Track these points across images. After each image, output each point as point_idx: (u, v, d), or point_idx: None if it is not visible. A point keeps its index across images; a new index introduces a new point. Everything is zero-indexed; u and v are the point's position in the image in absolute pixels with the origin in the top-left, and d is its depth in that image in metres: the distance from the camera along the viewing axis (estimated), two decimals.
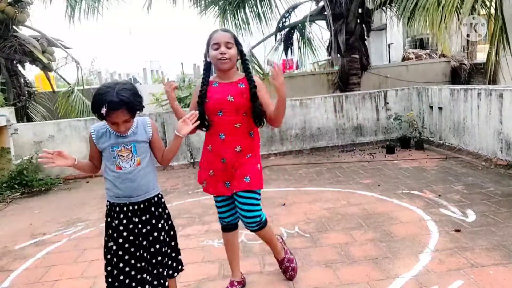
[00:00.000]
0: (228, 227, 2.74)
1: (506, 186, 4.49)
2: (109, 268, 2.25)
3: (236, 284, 2.75)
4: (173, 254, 2.35)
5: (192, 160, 7.20)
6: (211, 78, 2.57)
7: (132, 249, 2.21)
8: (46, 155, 2.17)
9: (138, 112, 2.16)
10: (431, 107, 7.05)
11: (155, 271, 2.24)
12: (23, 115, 8.72)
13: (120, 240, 2.20)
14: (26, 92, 9.01)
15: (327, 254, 3.22)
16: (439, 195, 4.38)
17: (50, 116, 9.40)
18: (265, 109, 2.53)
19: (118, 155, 2.17)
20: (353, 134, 7.56)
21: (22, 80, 9.00)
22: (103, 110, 2.02)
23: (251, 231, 2.63)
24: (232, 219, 2.71)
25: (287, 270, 2.86)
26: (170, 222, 2.35)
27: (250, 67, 2.62)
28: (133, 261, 2.21)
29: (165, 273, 2.28)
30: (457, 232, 3.39)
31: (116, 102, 2.02)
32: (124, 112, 2.06)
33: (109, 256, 2.25)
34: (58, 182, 6.71)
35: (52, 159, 2.17)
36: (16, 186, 6.27)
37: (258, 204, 2.58)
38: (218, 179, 2.57)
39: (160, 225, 2.26)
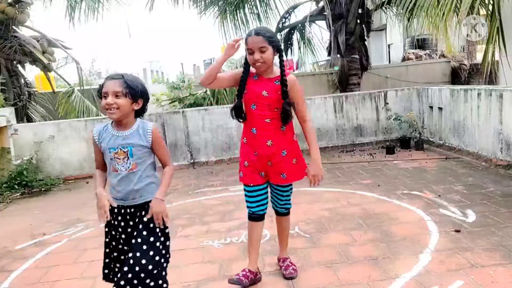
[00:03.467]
0: (254, 217, 2.77)
1: (506, 187, 4.49)
2: (107, 260, 2.33)
3: (247, 271, 2.75)
4: (154, 271, 2.14)
5: (192, 161, 7.20)
6: (251, 70, 2.64)
7: (126, 248, 2.24)
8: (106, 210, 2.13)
9: (138, 103, 2.18)
10: (431, 107, 7.05)
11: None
12: (23, 116, 8.72)
13: (108, 239, 2.29)
14: (26, 93, 9.01)
15: (327, 254, 3.22)
16: (439, 196, 4.38)
17: (50, 116, 9.39)
18: (295, 107, 2.66)
19: (114, 157, 2.17)
20: (353, 135, 7.56)
21: (22, 80, 9.00)
22: (103, 82, 2.12)
23: (280, 214, 2.89)
24: (259, 209, 2.75)
25: (288, 268, 2.88)
26: (164, 237, 2.24)
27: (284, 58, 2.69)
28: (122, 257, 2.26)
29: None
30: (457, 232, 3.39)
31: (114, 74, 2.20)
32: (117, 82, 2.10)
33: (107, 250, 2.32)
34: (58, 183, 6.71)
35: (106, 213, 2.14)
36: (16, 187, 6.27)
37: (290, 194, 2.86)
38: (253, 170, 2.69)
39: (151, 226, 2.17)
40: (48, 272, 3.38)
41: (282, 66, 2.62)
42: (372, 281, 2.74)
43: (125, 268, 2.10)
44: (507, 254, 2.93)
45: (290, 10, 9.58)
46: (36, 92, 9.94)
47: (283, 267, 2.91)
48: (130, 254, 2.14)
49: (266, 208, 2.79)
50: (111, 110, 2.11)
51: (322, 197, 4.73)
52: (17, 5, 8.36)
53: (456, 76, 10.09)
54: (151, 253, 2.14)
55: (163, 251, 2.24)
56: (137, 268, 2.08)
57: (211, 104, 8.24)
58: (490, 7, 5.62)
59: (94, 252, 3.70)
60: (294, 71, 13.67)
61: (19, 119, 8.23)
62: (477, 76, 9.76)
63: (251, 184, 2.71)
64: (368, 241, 3.39)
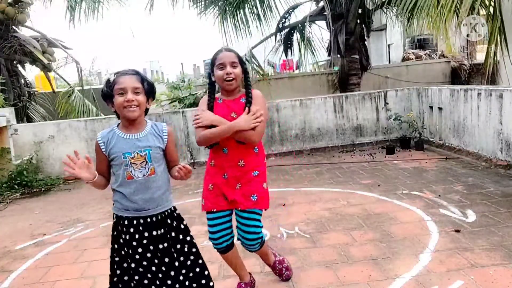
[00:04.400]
0: (221, 250, 2.60)
1: (506, 187, 4.49)
2: (115, 279, 2.10)
3: (243, 285, 2.74)
4: (198, 270, 2.13)
5: (192, 161, 7.20)
6: (216, 95, 2.55)
7: (153, 268, 2.01)
8: (69, 161, 1.95)
9: (149, 102, 2.06)
10: (431, 107, 7.05)
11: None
12: (23, 116, 8.72)
13: (137, 257, 2.00)
14: (26, 93, 9.01)
15: (327, 254, 3.22)
16: (439, 196, 4.38)
17: (50, 116, 9.40)
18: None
19: (131, 163, 1.97)
20: (353, 135, 7.56)
21: (22, 80, 9.01)
22: (112, 77, 1.95)
23: (251, 251, 2.62)
24: (223, 240, 2.56)
25: (282, 272, 2.86)
26: (189, 237, 2.17)
27: (250, 79, 2.59)
28: (146, 282, 2.01)
29: None
30: (457, 232, 3.39)
31: (126, 70, 2.00)
32: (134, 78, 1.96)
33: (118, 272, 2.08)
34: (58, 183, 6.72)
35: (73, 166, 1.97)
36: (16, 187, 6.27)
37: (260, 226, 2.54)
38: (218, 193, 2.49)
39: (181, 237, 2.10)
40: (48, 272, 3.38)
41: (247, 85, 2.50)
42: (372, 281, 2.74)
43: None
44: (507, 254, 2.93)
45: (290, 10, 9.57)
46: (36, 92, 9.94)
47: (277, 273, 2.89)
48: (172, 273, 2.02)
49: (231, 238, 2.58)
50: (131, 107, 1.95)
51: (322, 197, 4.73)
52: (17, 5, 8.36)
53: (456, 76, 10.09)
54: (198, 269, 2.12)
55: (199, 253, 2.18)
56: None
57: None
58: (491, 8, 5.62)
59: (94, 252, 3.71)
60: (294, 71, 13.69)
61: (19, 119, 8.23)
62: (477, 76, 9.76)
63: (214, 210, 2.49)
64: (368, 241, 3.39)
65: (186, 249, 2.12)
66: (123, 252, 2.04)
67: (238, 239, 2.58)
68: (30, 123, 8.24)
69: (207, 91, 2.57)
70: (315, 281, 2.81)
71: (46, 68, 8.99)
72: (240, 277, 2.77)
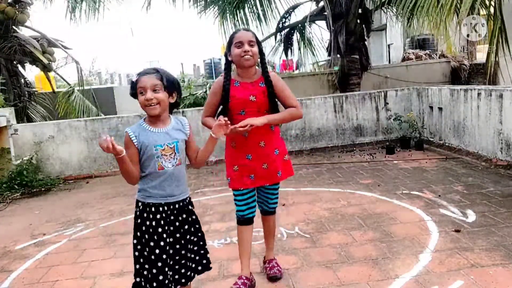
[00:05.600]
0: (244, 220, 2.75)
1: (506, 187, 4.49)
2: (145, 273, 2.11)
3: (244, 278, 2.73)
4: (202, 252, 2.31)
5: None
6: (232, 77, 2.62)
7: (171, 251, 2.15)
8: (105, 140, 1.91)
9: (172, 96, 2.14)
10: (431, 107, 7.05)
11: (187, 265, 2.22)
12: (23, 116, 8.72)
13: (162, 243, 2.10)
14: (26, 93, 9.01)
15: (327, 254, 3.22)
16: (439, 196, 4.38)
17: (50, 116, 9.39)
18: (285, 103, 2.66)
19: (162, 154, 2.10)
20: (353, 135, 7.56)
21: (22, 80, 9.01)
22: (135, 78, 2.07)
23: (269, 213, 2.87)
24: (249, 212, 2.75)
25: (273, 268, 2.87)
26: (199, 224, 2.32)
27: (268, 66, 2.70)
28: (171, 262, 2.15)
29: (193, 269, 2.26)
30: (457, 232, 3.39)
31: (147, 69, 2.12)
32: (153, 76, 2.06)
33: (141, 260, 2.12)
34: (58, 183, 6.72)
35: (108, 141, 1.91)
36: (16, 187, 6.27)
37: (278, 192, 2.86)
38: (243, 174, 2.66)
39: (197, 225, 2.28)
40: (48, 272, 3.38)
41: (264, 67, 2.62)
42: (372, 281, 2.74)
43: (183, 270, 2.18)
44: (507, 254, 2.93)
45: (290, 10, 9.57)
46: (36, 92, 9.94)
47: (268, 268, 2.90)
48: (191, 255, 2.22)
49: (255, 211, 2.79)
50: (151, 105, 2.06)
51: (322, 197, 4.73)
52: (17, 5, 8.36)
53: (456, 76, 10.08)
54: (202, 252, 2.28)
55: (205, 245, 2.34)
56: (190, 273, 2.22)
57: None
58: (492, 8, 5.63)
59: (94, 252, 3.71)
60: (294, 71, 13.69)
61: (19, 119, 8.23)
62: (477, 76, 9.75)
63: (241, 188, 2.68)
64: (368, 241, 3.39)
65: (197, 236, 2.28)
66: (143, 240, 2.12)
67: (259, 203, 2.83)
68: (30, 123, 8.23)
69: (224, 72, 2.64)
70: (315, 281, 2.81)
71: (46, 68, 8.99)
72: (244, 267, 2.77)
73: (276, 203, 2.88)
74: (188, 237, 2.22)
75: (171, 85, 2.12)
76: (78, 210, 5.16)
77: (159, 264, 2.10)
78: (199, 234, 2.29)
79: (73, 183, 6.74)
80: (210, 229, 4.01)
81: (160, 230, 2.11)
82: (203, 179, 6.18)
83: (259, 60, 2.63)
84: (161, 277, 2.10)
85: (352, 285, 2.72)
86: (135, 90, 2.09)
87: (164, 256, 2.11)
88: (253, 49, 2.51)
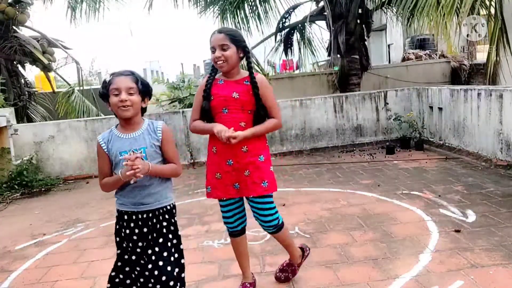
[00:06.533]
0: (236, 233, 2.66)
1: (506, 187, 4.49)
2: (113, 273, 2.19)
3: (248, 285, 2.73)
4: (176, 270, 2.15)
5: (192, 161, 7.20)
6: (217, 76, 2.56)
7: (133, 257, 2.11)
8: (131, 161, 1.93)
9: (145, 101, 2.10)
10: (431, 107, 7.05)
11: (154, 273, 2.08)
12: (23, 116, 8.72)
13: (138, 250, 2.10)
14: (26, 93, 9.02)
15: (327, 254, 3.22)
16: (439, 196, 4.38)
17: (50, 116, 9.40)
18: (268, 110, 2.51)
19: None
20: (353, 135, 7.56)
21: (22, 80, 9.01)
22: (108, 78, 2.02)
23: (269, 233, 2.66)
24: (239, 223, 2.64)
25: (282, 271, 2.83)
26: (176, 240, 2.19)
27: (254, 64, 2.59)
28: (146, 273, 2.08)
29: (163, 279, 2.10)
30: (457, 232, 3.39)
31: (122, 70, 2.07)
32: (128, 79, 2.02)
33: (119, 264, 2.17)
34: (58, 183, 6.72)
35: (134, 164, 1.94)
36: (16, 187, 6.27)
37: (274, 207, 2.58)
38: (227, 182, 2.49)
39: (165, 232, 2.13)
40: (48, 272, 3.38)
41: (250, 68, 2.51)
42: (372, 281, 2.74)
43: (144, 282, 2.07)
44: (507, 254, 2.93)
45: (290, 10, 9.56)
46: (36, 92, 9.95)
47: (280, 267, 2.85)
48: (149, 266, 2.06)
49: (245, 221, 2.67)
50: (125, 107, 2.01)
51: (322, 197, 4.73)
52: (17, 5, 8.36)
53: (456, 76, 10.08)
54: (169, 268, 2.08)
55: (181, 260, 2.20)
56: (158, 287, 2.04)
57: None
58: (492, 9, 5.63)
59: (94, 252, 3.71)
60: (294, 71, 13.69)
61: (19, 119, 8.24)
62: (477, 76, 9.75)
63: (224, 198, 2.54)
64: (368, 241, 3.39)
65: (168, 244, 2.14)
66: (124, 245, 2.14)
67: (257, 221, 2.62)
68: (30, 123, 8.24)
69: (210, 71, 2.59)
70: (315, 281, 2.81)
71: (46, 68, 9.00)
72: (245, 274, 2.76)
73: (275, 220, 2.57)
74: (154, 244, 2.09)
75: (146, 89, 2.09)
76: (78, 210, 5.16)
77: (138, 269, 2.10)
78: (168, 245, 2.12)
79: (73, 183, 6.74)
80: (210, 229, 4.01)
81: (135, 238, 2.09)
82: (203, 179, 6.15)
83: (243, 58, 2.50)
84: (121, 276, 2.14)
85: (352, 285, 2.72)
86: (106, 90, 2.03)
87: (142, 262, 2.08)
88: (225, 53, 2.37)
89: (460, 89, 6.23)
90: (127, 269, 2.14)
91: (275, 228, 2.59)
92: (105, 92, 2.05)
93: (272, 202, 2.56)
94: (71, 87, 9.39)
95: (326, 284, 2.76)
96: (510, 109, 5.16)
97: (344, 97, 7.61)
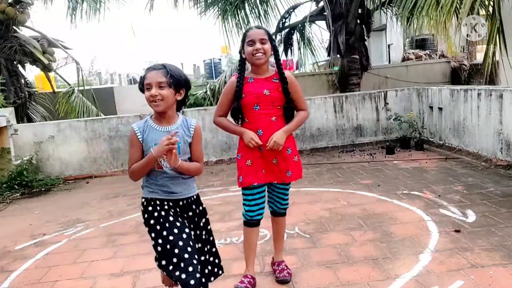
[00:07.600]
0: (253, 222, 2.73)
1: (506, 187, 4.49)
2: (159, 249, 2.08)
3: (250, 277, 2.75)
4: (212, 259, 2.30)
5: None
6: (246, 75, 2.66)
7: (188, 238, 2.10)
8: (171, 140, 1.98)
9: (180, 93, 2.12)
10: (431, 107, 7.05)
11: (209, 261, 2.26)
12: (23, 116, 8.73)
13: (175, 230, 2.07)
14: (26, 93, 9.01)
15: (327, 254, 3.22)
16: (439, 196, 4.38)
17: (50, 116, 9.39)
18: (296, 105, 2.71)
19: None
20: (353, 135, 7.56)
21: (22, 80, 9.01)
22: (143, 73, 2.08)
23: (279, 214, 2.85)
24: (258, 214, 2.72)
25: (283, 271, 2.84)
26: (209, 226, 2.32)
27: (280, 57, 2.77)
28: (189, 248, 2.07)
29: (211, 272, 2.28)
30: (457, 232, 3.39)
31: (156, 64, 2.10)
32: (159, 73, 2.04)
33: (160, 241, 2.07)
34: (58, 183, 6.71)
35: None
36: (16, 187, 6.26)
37: (289, 193, 2.86)
38: (257, 168, 2.65)
39: (201, 224, 2.26)
40: (48, 272, 3.38)
41: (279, 64, 2.67)
42: (372, 281, 2.74)
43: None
44: (507, 254, 2.93)
45: (290, 10, 9.58)
46: (36, 92, 9.94)
47: (278, 270, 2.87)
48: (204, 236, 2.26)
49: (263, 213, 2.77)
50: (155, 101, 2.05)
51: (322, 197, 4.73)
52: (17, 5, 8.36)
53: (456, 76, 10.09)
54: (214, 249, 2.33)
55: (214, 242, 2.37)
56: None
57: (211, 104, 8.24)
58: (490, 8, 5.63)
59: (94, 252, 3.71)
60: (294, 71, 13.69)
61: (19, 119, 8.24)
62: (477, 76, 9.75)
63: (256, 184, 2.64)
64: (368, 241, 3.39)
65: (207, 235, 2.29)
66: (158, 227, 2.09)
67: (269, 203, 2.83)
68: (30, 123, 8.24)
69: (238, 70, 2.70)
70: (315, 281, 2.81)
71: (46, 68, 9.00)
72: (250, 267, 2.78)
73: (287, 204, 2.85)
74: (203, 234, 2.23)
75: (177, 82, 2.09)
76: (78, 210, 5.16)
77: (180, 243, 2.05)
78: (211, 239, 2.29)
79: (73, 183, 6.74)
80: None
81: (171, 219, 2.10)
82: (203, 179, 6.17)
83: (272, 56, 2.67)
84: (185, 260, 2.02)
85: (352, 285, 2.72)
86: (142, 85, 2.10)
87: (181, 243, 2.04)
88: (264, 47, 2.55)
89: (460, 89, 6.23)
90: (184, 236, 2.09)
91: (285, 211, 2.87)
92: (142, 88, 2.11)
93: (289, 189, 2.82)
94: (71, 87, 9.39)
95: (326, 284, 2.76)
96: (510, 109, 5.16)
97: (344, 97, 7.61)
